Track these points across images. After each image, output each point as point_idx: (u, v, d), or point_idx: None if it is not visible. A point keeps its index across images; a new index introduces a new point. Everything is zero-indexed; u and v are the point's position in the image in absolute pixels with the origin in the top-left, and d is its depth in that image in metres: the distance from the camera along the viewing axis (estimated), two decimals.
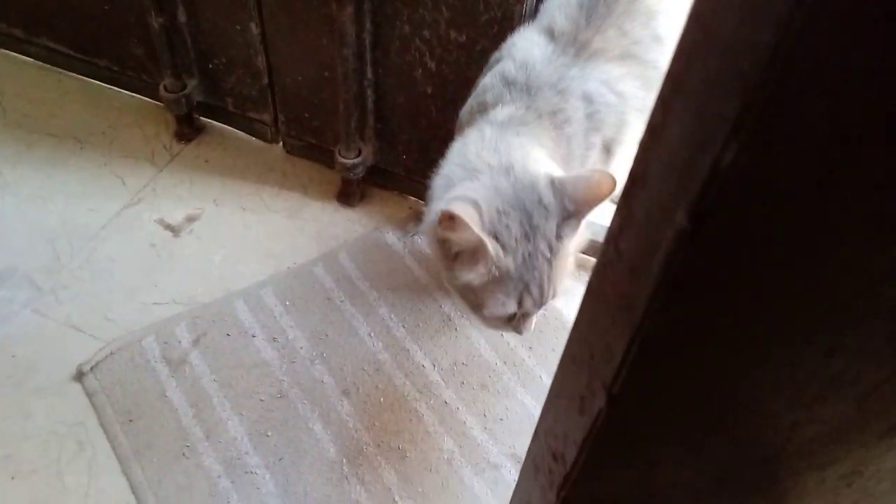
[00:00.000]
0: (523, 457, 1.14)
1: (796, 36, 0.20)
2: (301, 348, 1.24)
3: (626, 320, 0.32)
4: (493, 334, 1.28)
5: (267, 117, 1.52)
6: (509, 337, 1.29)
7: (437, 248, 0.92)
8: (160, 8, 1.34)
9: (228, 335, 1.25)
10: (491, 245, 0.84)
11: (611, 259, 0.33)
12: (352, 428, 1.15)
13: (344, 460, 1.12)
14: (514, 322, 0.96)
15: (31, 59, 1.70)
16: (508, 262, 0.86)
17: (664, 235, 0.27)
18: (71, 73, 1.68)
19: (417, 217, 1.46)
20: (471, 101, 1.03)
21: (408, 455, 1.13)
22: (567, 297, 1.36)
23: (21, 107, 1.62)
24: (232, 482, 1.07)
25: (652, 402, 0.38)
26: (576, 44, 0.94)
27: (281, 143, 1.57)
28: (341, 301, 1.32)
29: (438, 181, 0.97)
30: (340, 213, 1.48)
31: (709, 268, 0.28)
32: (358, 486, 1.09)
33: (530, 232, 0.85)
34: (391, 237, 1.43)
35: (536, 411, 1.19)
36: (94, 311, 1.26)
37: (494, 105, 0.96)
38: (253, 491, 1.07)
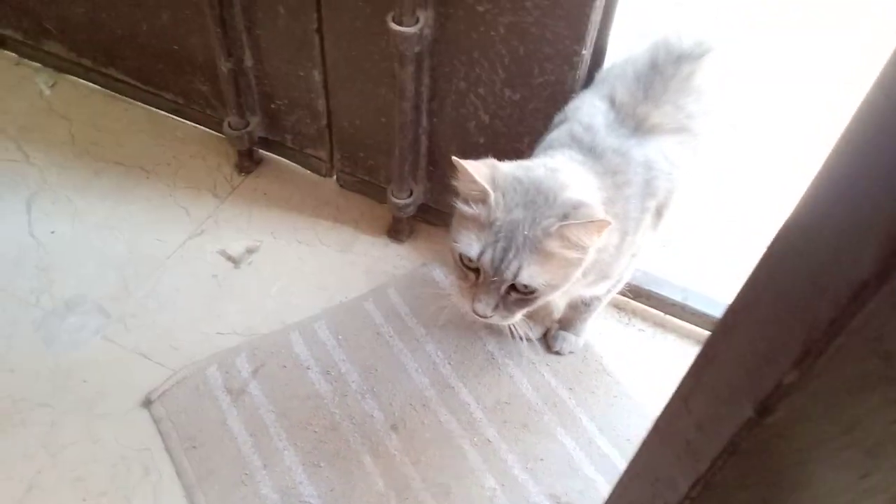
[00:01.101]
0: (562, 497, 1.19)
1: (853, 314, 0.26)
2: (352, 382, 1.31)
3: (691, 466, 0.38)
4: (536, 374, 1.34)
5: (323, 154, 1.59)
6: (550, 376, 1.34)
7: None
8: (229, 53, 1.42)
9: (285, 367, 1.32)
10: (494, 196, 0.93)
11: (678, 411, 0.39)
12: (399, 462, 1.22)
13: (392, 494, 1.18)
14: (470, 286, 1.00)
15: (99, 87, 1.80)
16: (498, 213, 0.93)
17: (732, 416, 0.33)
18: (137, 103, 1.77)
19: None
20: (536, 153, 1.10)
21: (452, 491, 1.19)
22: (604, 338, 1.41)
23: (89, 134, 1.71)
24: None
25: None
26: (635, 116, 1.02)
27: (335, 178, 1.64)
28: (390, 336, 1.38)
29: None
30: (390, 248, 1.54)
31: (768, 444, 0.34)
32: None
33: (529, 205, 0.93)
34: (438, 273, 1.50)
35: (575, 453, 1.25)
36: (161, 340, 1.34)
37: (563, 149, 1.04)
38: None
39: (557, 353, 1.37)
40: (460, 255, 0.97)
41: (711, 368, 0.36)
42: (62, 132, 1.69)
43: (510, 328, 1.09)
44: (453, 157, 0.93)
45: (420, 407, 1.29)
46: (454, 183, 0.97)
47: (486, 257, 0.94)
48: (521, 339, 1.37)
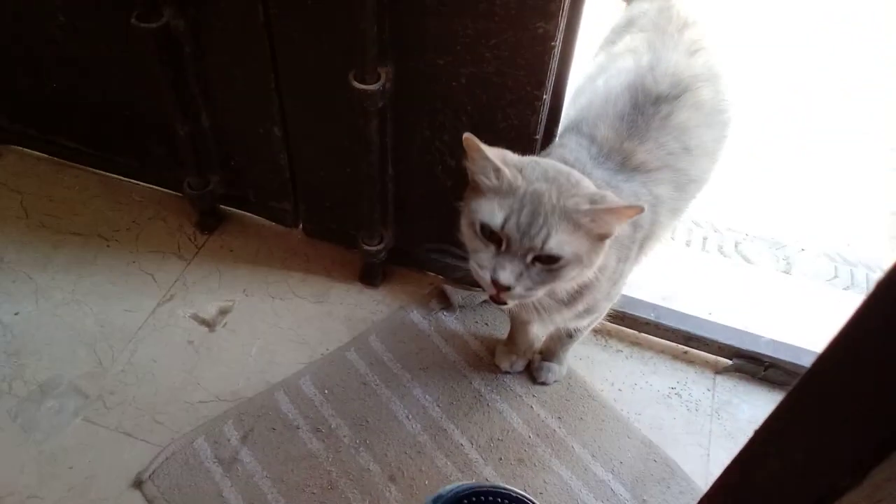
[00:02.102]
0: None
1: None
2: (344, 437, 1.31)
3: None
4: (524, 407, 1.36)
5: (288, 206, 1.58)
6: (539, 408, 1.37)
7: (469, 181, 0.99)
8: (185, 115, 1.41)
9: (274, 429, 1.31)
10: (508, 170, 0.91)
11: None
12: None
13: None
14: (494, 260, 0.93)
15: (47, 156, 1.75)
16: (519, 182, 0.91)
17: None
18: (89, 168, 1.73)
19: (439, 294, 1.53)
20: None
21: None
22: (585, 362, 1.45)
23: (42, 206, 1.66)
24: None
25: None
26: (622, 152, 1.05)
27: (301, 227, 1.63)
28: (377, 385, 1.39)
29: None
30: (365, 293, 1.55)
31: None
32: None
33: (553, 181, 0.92)
34: (416, 316, 1.51)
35: (573, 482, 1.28)
36: (143, 415, 1.32)
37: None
38: None
39: (543, 383, 1.40)
40: (481, 225, 0.93)
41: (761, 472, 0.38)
42: (14, 206, 1.64)
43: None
44: (465, 135, 0.90)
45: (415, 454, 1.29)
46: (465, 163, 0.96)
47: (512, 223, 0.90)
48: (507, 370, 1.40)
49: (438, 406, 1.36)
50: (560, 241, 0.90)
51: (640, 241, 1.09)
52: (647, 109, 1.07)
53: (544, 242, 0.90)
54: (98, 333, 1.43)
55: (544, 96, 1.13)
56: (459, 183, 1.35)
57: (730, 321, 1.48)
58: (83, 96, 1.56)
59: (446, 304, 1.52)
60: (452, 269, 1.53)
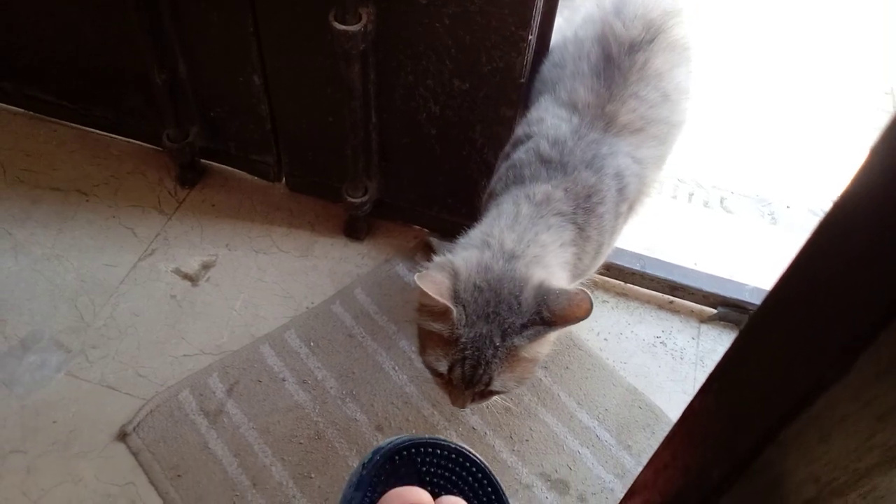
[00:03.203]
0: (552, 475, 1.22)
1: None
2: (331, 388, 1.30)
3: (726, 457, 0.40)
4: None
5: (270, 159, 1.56)
6: None
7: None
8: (161, 64, 1.37)
9: (260, 381, 1.30)
10: (455, 311, 0.89)
11: (710, 404, 0.41)
12: None
13: None
14: (446, 386, 1.00)
15: (22, 110, 1.71)
16: (461, 332, 0.90)
17: (769, 410, 0.35)
18: (65, 122, 1.69)
19: (424, 247, 1.52)
20: (504, 173, 1.06)
21: None
22: None
23: (19, 161, 1.63)
24: None
25: None
26: (604, 116, 1.00)
27: (284, 181, 1.61)
28: (363, 337, 1.38)
29: (462, 240, 1.03)
30: (350, 247, 1.53)
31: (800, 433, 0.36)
32: None
33: (492, 316, 0.90)
34: (401, 268, 1.49)
35: (558, 429, 1.28)
36: (126, 369, 1.30)
37: (533, 180, 1.00)
38: None
39: None
40: (429, 367, 0.98)
41: (747, 365, 0.37)
42: None
43: None
44: (415, 276, 0.88)
45: (402, 405, 1.29)
46: (419, 300, 0.94)
47: (456, 374, 0.94)
48: None
49: None
50: (503, 381, 0.94)
51: (626, 211, 1.07)
52: (623, 61, 1.02)
53: (487, 385, 0.94)
54: (79, 288, 1.41)
55: (529, 37, 1.11)
56: (443, 131, 1.33)
57: (715, 271, 1.48)
58: (57, 47, 1.51)
59: (431, 256, 1.50)
60: (438, 222, 1.52)
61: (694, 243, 1.60)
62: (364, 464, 0.48)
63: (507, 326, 0.90)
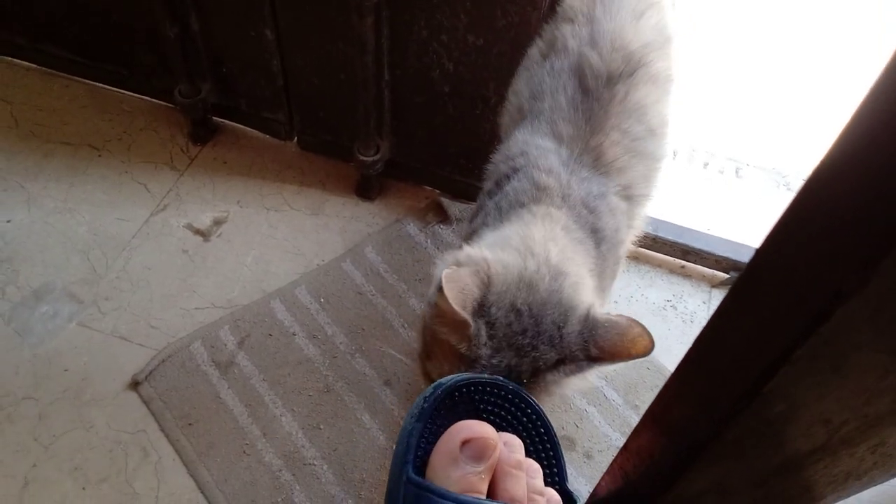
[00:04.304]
0: (558, 431, 1.22)
1: None
2: (340, 343, 1.31)
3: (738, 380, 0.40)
4: None
5: (281, 116, 1.55)
6: None
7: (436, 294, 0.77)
8: (173, 18, 1.36)
9: (271, 335, 1.31)
10: (474, 327, 0.72)
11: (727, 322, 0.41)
12: (397, 416, 1.23)
13: (393, 447, 1.20)
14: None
15: (35, 66, 1.71)
16: (481, 353, 0.73)
17: (786, 323, 0.35)
18: (77, 78, 1.69)
19: (435, 207, 1.52)
20: (493, 207, 0.94)
21: None
22: None
23: (32, 116, 1.63)
24: (293, 475, 1.15)
25: None
26: (589, 151, 0.91)
27: (295, 140, 1.61)
28: (372, 295, 1.38)
29: (493, 236, 0.87)
30: (361, 206, 1.53)
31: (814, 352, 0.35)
32: None
33: (525, 349, 0.74)
34: (412, 228, 1.49)
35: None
36: (138, 320, 1.31)
37: (537, 203, 0.88)
38: (314, 482, 1.15)
39: None
40: (430, 378, 0.81)
41: (763, 281, 0.37)
42: (3, 115, 1.61)
43: None
44: (444, 274, 0.70)
45: (411, 361, 1.30)
46: (437, 302, 0.74)
47: None
48: None
49: None
50: None
51: (622, 253, 1.00)
52: (602, 94, 0.93)
53: None
54: (91, 241, 1.42)
55: None
56: (457, 89, 1.32)
57: (728, 236, 1.47)
58: (70, 2, 1.50)
59: (443, 216, 1.51)
60: (449, 183, 1.52)
61: (707, 209, 1.59)
62: (426, 397, 0.48)
63: (541, 362, 0.74)
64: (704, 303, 1.43)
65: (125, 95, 1.67)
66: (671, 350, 1.35)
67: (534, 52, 1.07)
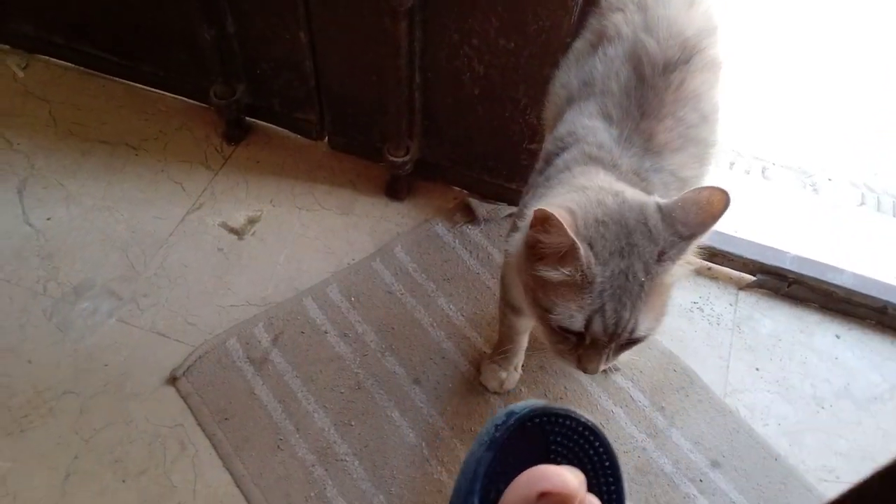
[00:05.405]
0: None
1: None
2: (371, 342, 1.34)
3: None
4: None
5: (313, 116, 1.58)
6: None
7: (524, 251, 0.84)
8: (210, 21, 1.39)
9: (303, 333, 1.34)
10: (583, 249, 0.77)
11: None
12: (426, 414, 1.26)
13: (423, 444, 1.22)
14: (575, 350, 0.86)
15: (73, 65, 1.75)
16: (597, 271, 0.78)
17: None
18: (114, 78, 1.73)
19: (464, 207, 1.54)
20: (548, 175, 0.97)
21: None
22: None
23: (70, 115, 1.67)
24: (325, 470, 1.18)
25: None
26: (639, 132, 0.94)
27: (326, 140, 1.63)
28: (402, 294, 1.41)
29: (547, 195, 0.91)
30: (390, 206, 1.55)
31: None
32: (439, 468, 1.20)
33: (627, 249, 0.79)
34: (441, 228, 1.51)
35: (592, 389, 1.30)
36: (176, 317, 1.35)
37: (586, 166, 0.92)
38: (345, 477, 1.18)
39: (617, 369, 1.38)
40: (559, 327, 0.83)
41: None
42: (42, 114, 1.65)
43: None
44: (536, 209, 0.76)
45: (439, 360, 1.32)
46: (536, 235, 0.79)
47: (597, 326, 0.80)
48: None
49: (462, 315, 1.38)
50: (649, 324, 0.82)
51: None
52: (657, 82, 0.95)
53: (632, 332, 0.82)
54: (129, 239, 1.46)
55: None
56: (486, 91, 1.34)
57: (755, 238, 1.47)
58: (107, 3, 1.54)
59: (471, 217, 1.52)
60: (478, 184, 1.53)
61: (734, 210, 1.58)
62: (497, 425, 0.46)
63: (647, 257, 0.79)
64: (731, 305, 1.43)
65: (161, 96, 1.71)
66: (697, 352, 1.36)
67: (580, 44, 1.10)
